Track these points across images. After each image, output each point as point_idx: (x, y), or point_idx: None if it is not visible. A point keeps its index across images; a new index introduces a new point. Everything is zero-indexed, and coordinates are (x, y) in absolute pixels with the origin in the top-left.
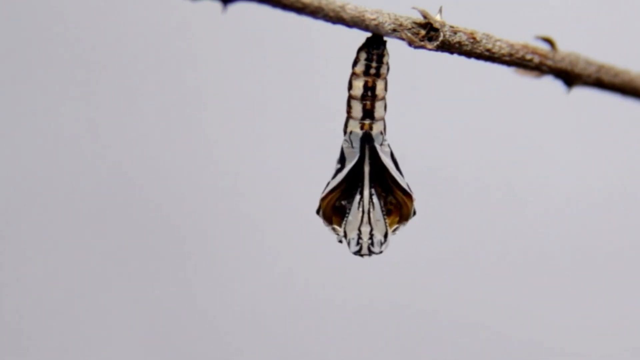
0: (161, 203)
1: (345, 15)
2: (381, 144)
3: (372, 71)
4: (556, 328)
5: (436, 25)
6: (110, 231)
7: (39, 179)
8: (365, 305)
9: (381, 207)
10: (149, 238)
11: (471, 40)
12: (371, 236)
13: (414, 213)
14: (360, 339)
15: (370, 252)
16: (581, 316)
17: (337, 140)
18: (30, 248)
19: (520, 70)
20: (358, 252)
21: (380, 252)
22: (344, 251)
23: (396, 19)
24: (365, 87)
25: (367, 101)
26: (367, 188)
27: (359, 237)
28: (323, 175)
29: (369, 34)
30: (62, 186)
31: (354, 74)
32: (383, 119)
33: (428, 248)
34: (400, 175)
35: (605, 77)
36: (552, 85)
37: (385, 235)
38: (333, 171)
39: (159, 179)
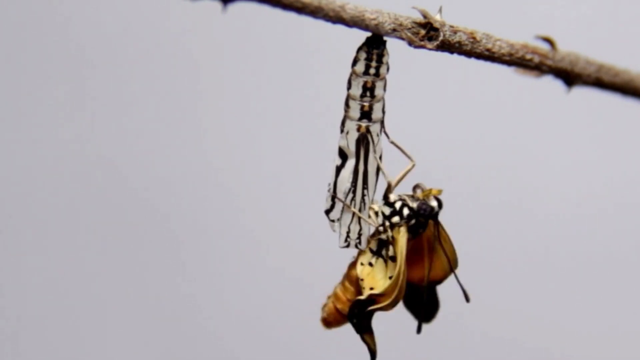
0: (157, 203)
1: (345, 15)
2: (374, 149)
3: (372, 71)
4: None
5: (436, 24)
6: (105, 230)
7: (32, 178)
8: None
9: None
10: (145, 238)
11: (471, 40)
12: (359, 235)
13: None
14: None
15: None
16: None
17: (336, 140)
18: (24, 246)
19: (520, 70)
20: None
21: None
22: (344, 254)
23: (396, 19)
24: (365, 87)
25: (365, 102)
26: (359, 188)
27: (347, 235)
28: (321, 175)
29: (369, 34)
30: (58, 186)
31: (353, 74)
32: (380, 121)
33: None
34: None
35: (605, 77)
36: (552, 85)
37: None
38: (333, 168)
39: (155, 179)
